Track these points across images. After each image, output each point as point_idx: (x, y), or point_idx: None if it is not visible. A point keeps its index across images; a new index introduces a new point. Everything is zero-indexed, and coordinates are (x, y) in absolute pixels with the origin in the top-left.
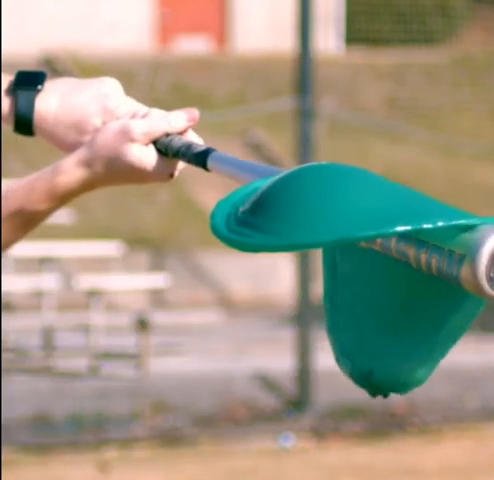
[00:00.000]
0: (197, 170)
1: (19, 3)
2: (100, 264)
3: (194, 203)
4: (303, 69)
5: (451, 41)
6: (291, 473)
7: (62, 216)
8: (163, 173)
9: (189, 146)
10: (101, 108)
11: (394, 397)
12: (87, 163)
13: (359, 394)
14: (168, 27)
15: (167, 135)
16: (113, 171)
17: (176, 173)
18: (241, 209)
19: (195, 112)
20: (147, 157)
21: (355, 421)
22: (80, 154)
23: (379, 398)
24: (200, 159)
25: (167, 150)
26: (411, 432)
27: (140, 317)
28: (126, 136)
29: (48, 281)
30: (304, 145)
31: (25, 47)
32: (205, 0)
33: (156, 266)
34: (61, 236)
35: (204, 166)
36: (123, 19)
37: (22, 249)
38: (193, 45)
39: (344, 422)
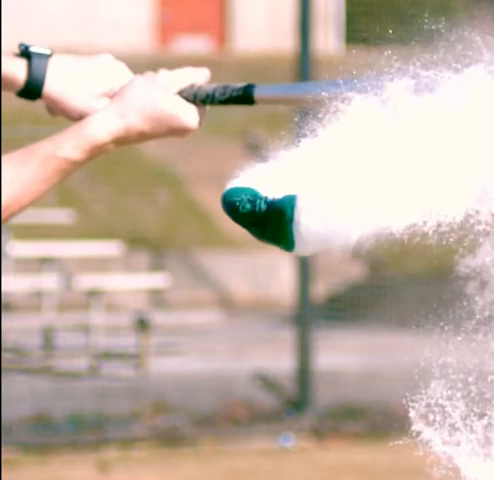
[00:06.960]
0: (197, 170)
1: (19, 3)
2: (100, 264)
3: (194, 203)
4: (303, 69)
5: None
6: (291, 473)
7: (62, 216)
8: (194, 119)
9: (226, 86)
10: (113, 73)
11: (394, 397)
12: (120, 114)
13: (359, 394)
14: (168, 27)
15: (191, 86)
16: (145, 120)
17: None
18: None
19: (208, 71)
20: (179, 103)
21: (355, 421)
22: (112, 107)
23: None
24: (245, 92)
25: (196, 97)
26: (411, 432)
27: (140, 317)
28: (157, 85)
29: (48, 281)
30: None
31: None
32: (205, 0)
33: (156, 266)
34: (61, 236)
35: (248, 99)
36: (123, 19)
37: (22, 249)
38: (193, 45)
39: (344, 422)
